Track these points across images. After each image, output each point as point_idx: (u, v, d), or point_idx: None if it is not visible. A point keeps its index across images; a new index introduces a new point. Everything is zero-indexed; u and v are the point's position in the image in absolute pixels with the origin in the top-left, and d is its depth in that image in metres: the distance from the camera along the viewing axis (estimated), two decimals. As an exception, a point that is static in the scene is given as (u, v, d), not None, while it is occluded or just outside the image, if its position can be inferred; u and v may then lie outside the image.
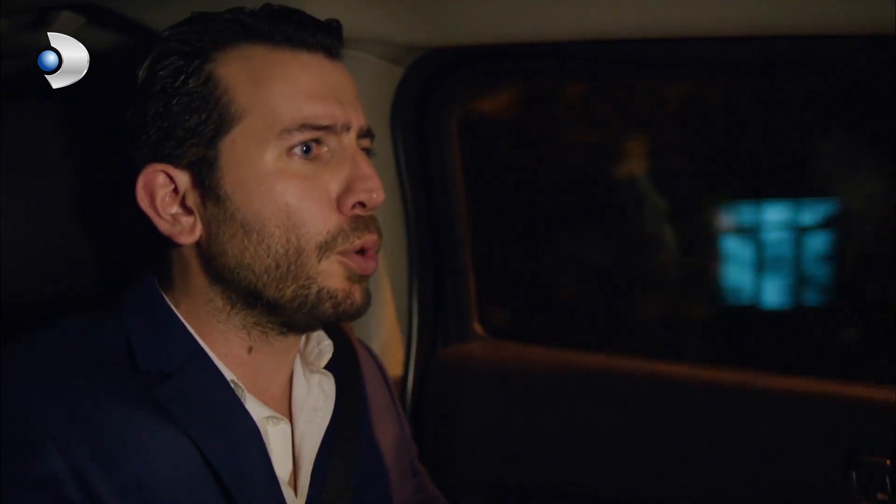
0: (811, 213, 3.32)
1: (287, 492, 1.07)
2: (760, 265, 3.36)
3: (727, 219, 3.37)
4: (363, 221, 1.05)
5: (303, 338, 1.15)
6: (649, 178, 3.28)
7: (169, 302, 1.07)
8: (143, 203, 1.04)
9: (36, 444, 0.93)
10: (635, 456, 1.51)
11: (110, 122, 1.12)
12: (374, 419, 1.24)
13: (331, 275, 1.04)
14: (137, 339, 1.04)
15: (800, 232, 3.31)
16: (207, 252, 1.05)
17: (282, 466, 1.08)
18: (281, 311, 1.05)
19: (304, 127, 1.02)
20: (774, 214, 3.36)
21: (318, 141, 1.04)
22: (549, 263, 3.32)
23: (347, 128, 1.06)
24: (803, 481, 1.36)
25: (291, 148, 1.03)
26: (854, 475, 1.30)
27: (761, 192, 3.26)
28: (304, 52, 1.06)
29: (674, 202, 3.28)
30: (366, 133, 1.09)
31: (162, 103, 1.03)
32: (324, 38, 1.07)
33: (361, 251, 1.06)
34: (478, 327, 1.77)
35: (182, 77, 1.02)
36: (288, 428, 1.10)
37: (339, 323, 1.19)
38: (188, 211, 1.04)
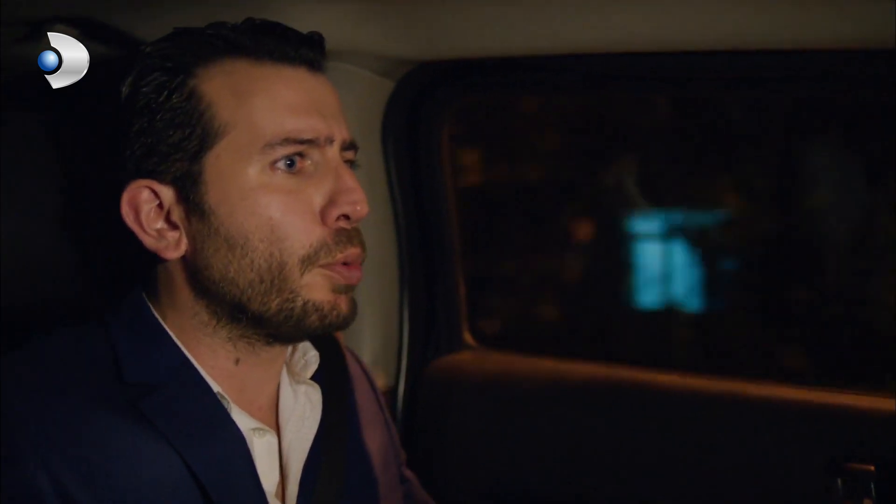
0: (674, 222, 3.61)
1: (274, 503, 1.07)
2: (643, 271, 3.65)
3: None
4: (346, 235, 1.05)
5: (289, 349, 1.15)
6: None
7: (156, 315, 1.07)
8: (128, 218, 1.04)
9: (19, 457, 0.93)
10: (625, 465, 1.51)
11: (103, 134, 1.12)
12: (362, 427, 1.24)
13: (315, 287, 1.04)
14: (124, 351, 1.04)
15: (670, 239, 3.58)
16: (193, 266, 1.05)
17: (268, 478, 1.08)
18: (267, 323, 1.05)
19: (287, 141, 1.02)
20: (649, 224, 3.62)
21: (301, 155, 1.03)
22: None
23: (331, 141, 1.05)
24: (789, 488, 1.36)
25: (275, 162, 1.02)
26: (839, 482, 1.30)
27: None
28: (286, 66, 1.06)
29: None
30: (349, 145, 1.09)
31: (146, 119, 1.03)
32: (306, 51, 1.07)
33: (345, 264, 1.06)
34: (469, 337, 1.78)
35: (165, 93, 1.02)
36: (274, 439, 1.10)
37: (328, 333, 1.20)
38: (173, 226, 1.04)
